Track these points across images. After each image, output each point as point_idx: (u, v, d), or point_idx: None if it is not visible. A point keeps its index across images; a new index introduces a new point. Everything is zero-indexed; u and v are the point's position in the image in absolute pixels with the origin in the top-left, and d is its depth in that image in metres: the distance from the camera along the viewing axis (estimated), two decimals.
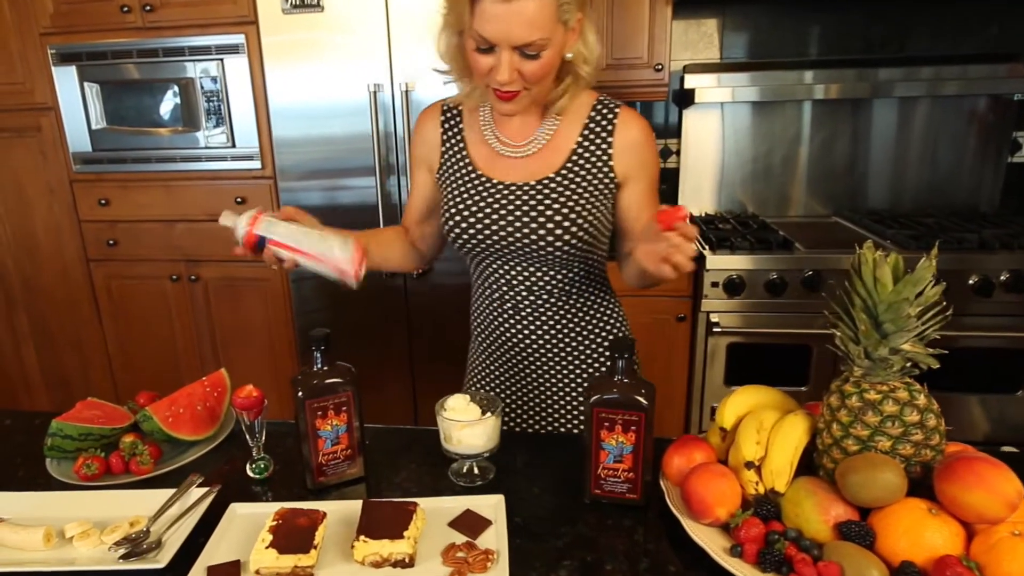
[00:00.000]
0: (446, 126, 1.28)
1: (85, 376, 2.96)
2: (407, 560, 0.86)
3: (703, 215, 2.83)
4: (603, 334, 1.31)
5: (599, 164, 1.20)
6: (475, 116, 1.25)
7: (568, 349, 1.28)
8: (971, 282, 2.17)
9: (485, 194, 1.21)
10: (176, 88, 2.48)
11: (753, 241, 2.33)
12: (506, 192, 1.20)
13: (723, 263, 2.26)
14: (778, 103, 2.73)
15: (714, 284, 2.28)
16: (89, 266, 2.79)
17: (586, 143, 1.20)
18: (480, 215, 1.21)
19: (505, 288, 1.25)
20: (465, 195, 1.22)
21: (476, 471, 1.09)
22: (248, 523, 0.96)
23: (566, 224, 1.17)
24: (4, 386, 3.01)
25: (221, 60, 2.42)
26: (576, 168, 1.19)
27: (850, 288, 0.84)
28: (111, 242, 2.72)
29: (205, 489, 1.03)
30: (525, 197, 1.19)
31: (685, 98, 2.71)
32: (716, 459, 0.98)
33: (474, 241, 1.22)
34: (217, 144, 2.52)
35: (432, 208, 1.34)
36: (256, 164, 2.53)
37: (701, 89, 2.58)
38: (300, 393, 1.01)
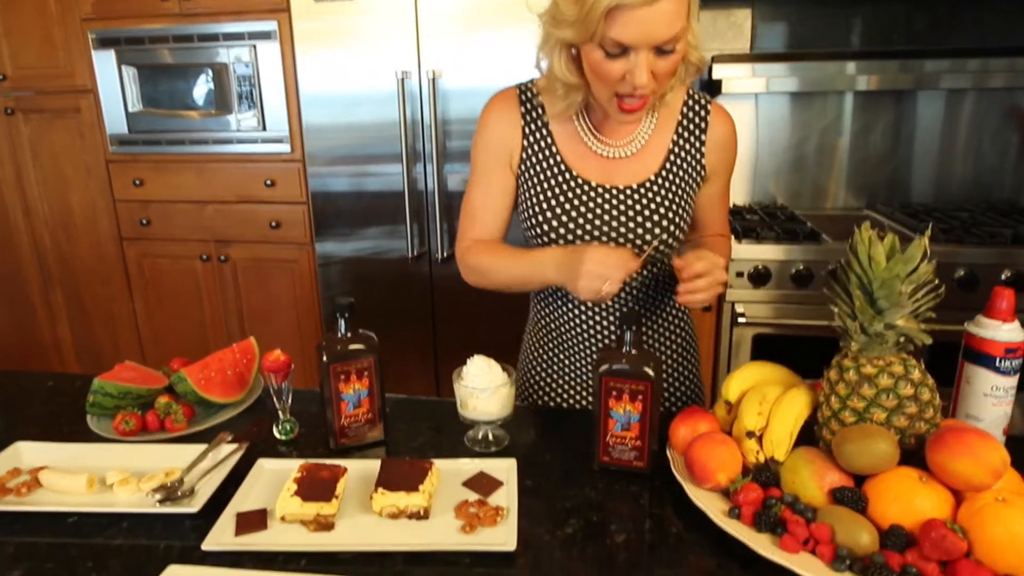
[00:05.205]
0: (528, 118, 1.20)
1: (115, 351, 3.05)
2: (422, 512, 0.92)
3: (732, 206, 2.82)
4: (671, 327, 1.31)
5: (693, 162, 1.20)
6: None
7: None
8: (1004, 276, 2.13)
9: (585, 198, 1.17)
10: (210, 72, 2.56)
11: (779, 232, 2.32)
12: (608, 197, 1.17)
13: (749, 253, 2.25)
14: (817, 95, 2.70)
15: (739, 274, 2.27)
16: (122, 244, 2.88)
17: (681, 141, 1.20)
18: (581, 220, 1.17)
19: None
20: (560, 197, 1.17)
21: (491, 438, 1.14)
22: (274, 477, 1.02)
23: (664, 223, 1.17)
24: (39, 358, 3.13)
25: (254, 46, 2.49)
26: (674, 168, 1.19)
27: (847, 266, 0.87)
28: (144, 221, 2.81)
29: (235, 446, 1.09)
30: (629, 202, 1.17)
31: (711, 89, 2.71)
32: (720, 430, 1.02)
33: (564, 242, 1.18)
34: (248, 128, 2.60)
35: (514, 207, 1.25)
36: (286, 148, 2.60)
37: (728, 80, 2.57)
38: (324, 357, 1.07)
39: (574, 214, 1.18)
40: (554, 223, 1.18)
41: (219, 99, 2.59)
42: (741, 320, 2.30)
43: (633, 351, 0.99)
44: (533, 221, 1.20)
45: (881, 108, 2.71)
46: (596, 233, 1.18)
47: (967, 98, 2.65)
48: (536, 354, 1.38)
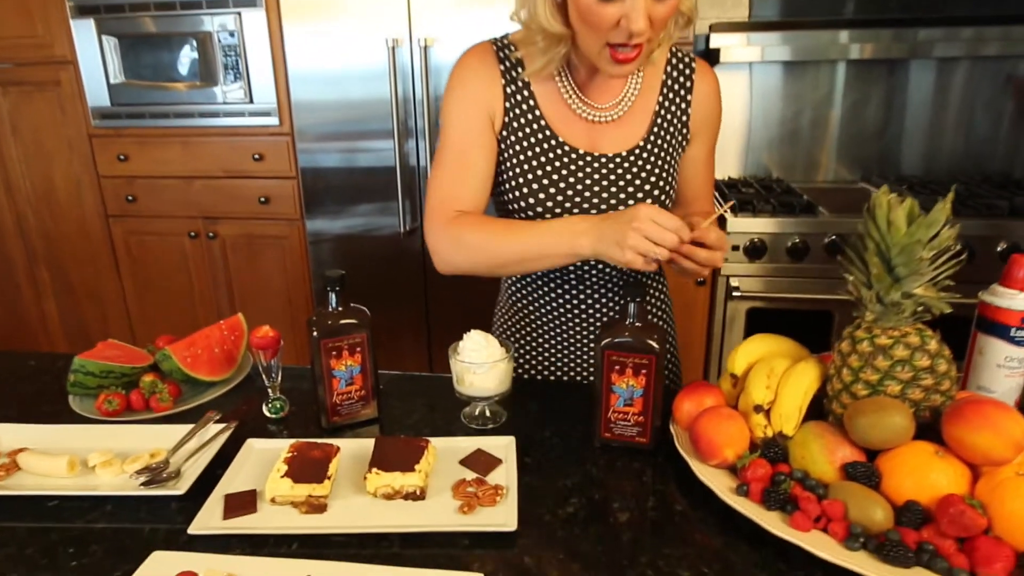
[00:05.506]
0: (508, 76, 1.09)
1: (104, 330, 3.01)
2: (418, 492, 0.88)
3: (727, 179, 2.80)
4: (649, 305, 1.27)
5: (677, 123, 1.15)
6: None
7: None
8: (999, 249, 2.12)
9: (573, 167, 1.09)
10: (194, 42, 2.48)
11: (776, 204, 2.29)
12: (596, 166, 1.10)
13: (745, 226, 2.23)
14: (810, 64, 2.66)
15: (735, 248, 2.25)
16: (108, 222, 2.82)
17: (667, 103, 1.14)
18: (570, 191, 1.09)
19: None
20: (548, 166, 1.09)
21: (488, 414, 1.10)
22: (264, 457, 0.98)
23: (655, 193, 1.11)
24: (26, 337, 3.08)
25: (238, 13, 2.41)
26: (661, 132, 1.13)
27: (864, 232, 0.83)
28: (130, 198, 2.75)
29: (222, 425, 1.05)
30: (619, 171, 1.10)
31: (708, 58, 2.66)
32: (726, 404, 0.99)
33: (550, 215, 1.10)
34: (235, 99, 2.53)
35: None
36: (274, 120, 2.53)
37: (726, 48, 2.51)
38: (315, 333, 1.02)
39: (562, 185, 1.10)
40: (540, 195, 1.10)
41: (204, 70, 2.51)
42: (736, 294, 2.29)
43: (637, 323, 0.95)
44: (516, 194, 1.11)
45: (874, 79, 2.67)
46: (586, 205, 1.11)
47: (960, 68, 2.62)
48: (508, 334, 1.32)
